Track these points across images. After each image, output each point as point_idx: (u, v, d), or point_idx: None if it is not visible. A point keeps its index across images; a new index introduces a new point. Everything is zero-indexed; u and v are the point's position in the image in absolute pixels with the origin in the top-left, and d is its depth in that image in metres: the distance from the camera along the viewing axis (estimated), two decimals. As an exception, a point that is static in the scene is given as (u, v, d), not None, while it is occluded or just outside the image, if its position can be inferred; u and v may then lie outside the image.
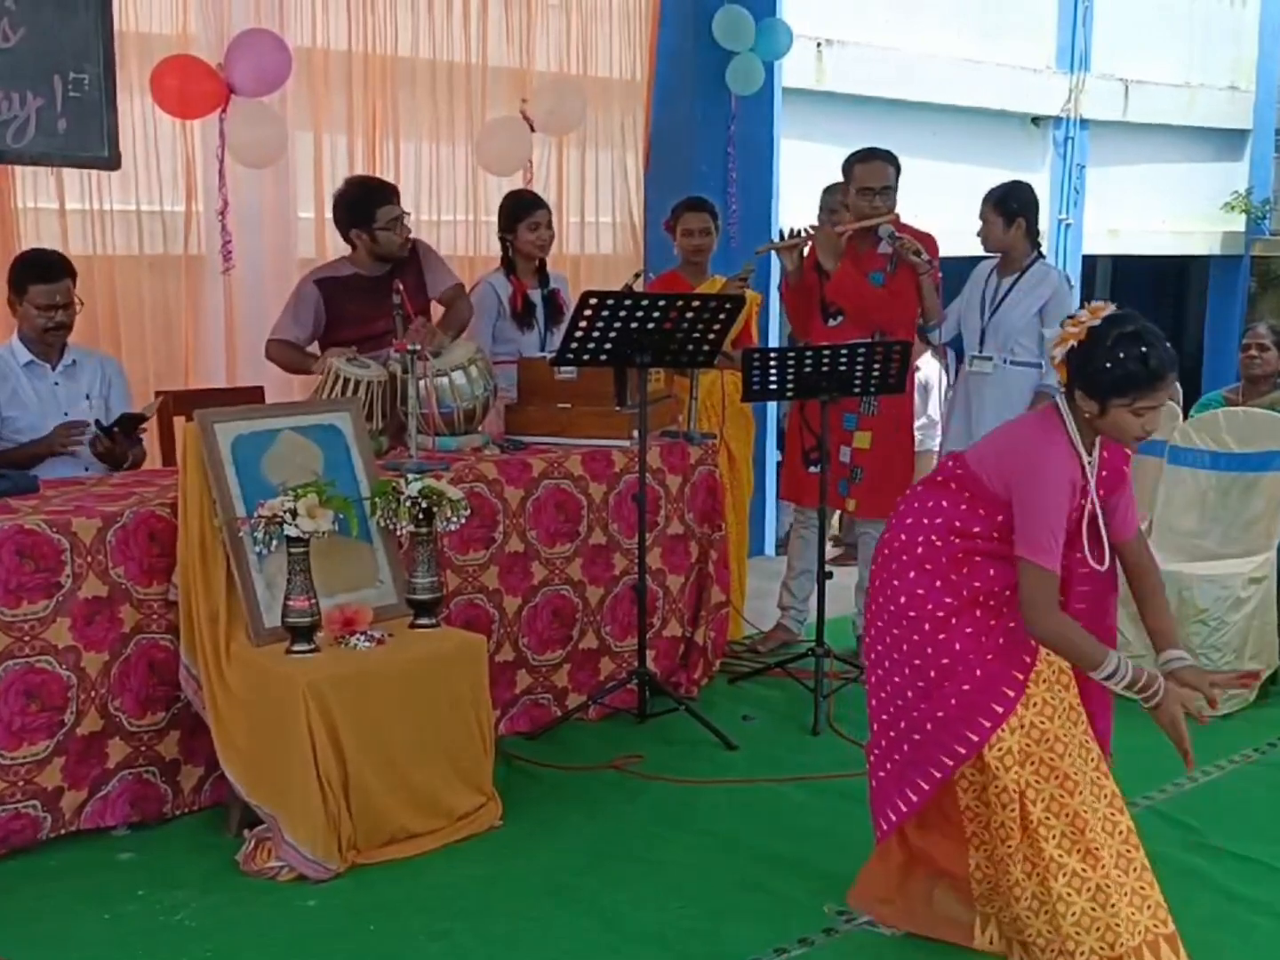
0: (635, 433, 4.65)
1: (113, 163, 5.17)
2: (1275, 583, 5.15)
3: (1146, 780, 4.30)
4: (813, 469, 5.38)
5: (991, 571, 3.03)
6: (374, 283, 4.89)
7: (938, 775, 3.03)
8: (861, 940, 3.32)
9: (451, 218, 6.43)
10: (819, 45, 8.80)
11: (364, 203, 4.92)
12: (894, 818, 3.14)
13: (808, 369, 4.75)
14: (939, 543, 3.06)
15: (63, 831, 3.69)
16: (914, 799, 3.08)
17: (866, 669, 3.24)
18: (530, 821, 3.96)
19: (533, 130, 6.35)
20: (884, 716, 3.15)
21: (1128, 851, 3.04)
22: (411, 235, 5.04)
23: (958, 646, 3.00)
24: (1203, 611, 4.94)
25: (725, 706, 4.95)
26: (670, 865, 3.72)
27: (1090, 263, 11.56)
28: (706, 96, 7.03)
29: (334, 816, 3.58)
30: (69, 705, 3.65)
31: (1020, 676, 2.98)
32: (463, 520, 3.97)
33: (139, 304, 5.63)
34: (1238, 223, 12.10)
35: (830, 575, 5.02)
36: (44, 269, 4.35)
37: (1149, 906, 3.02)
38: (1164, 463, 5.53)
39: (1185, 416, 5.86)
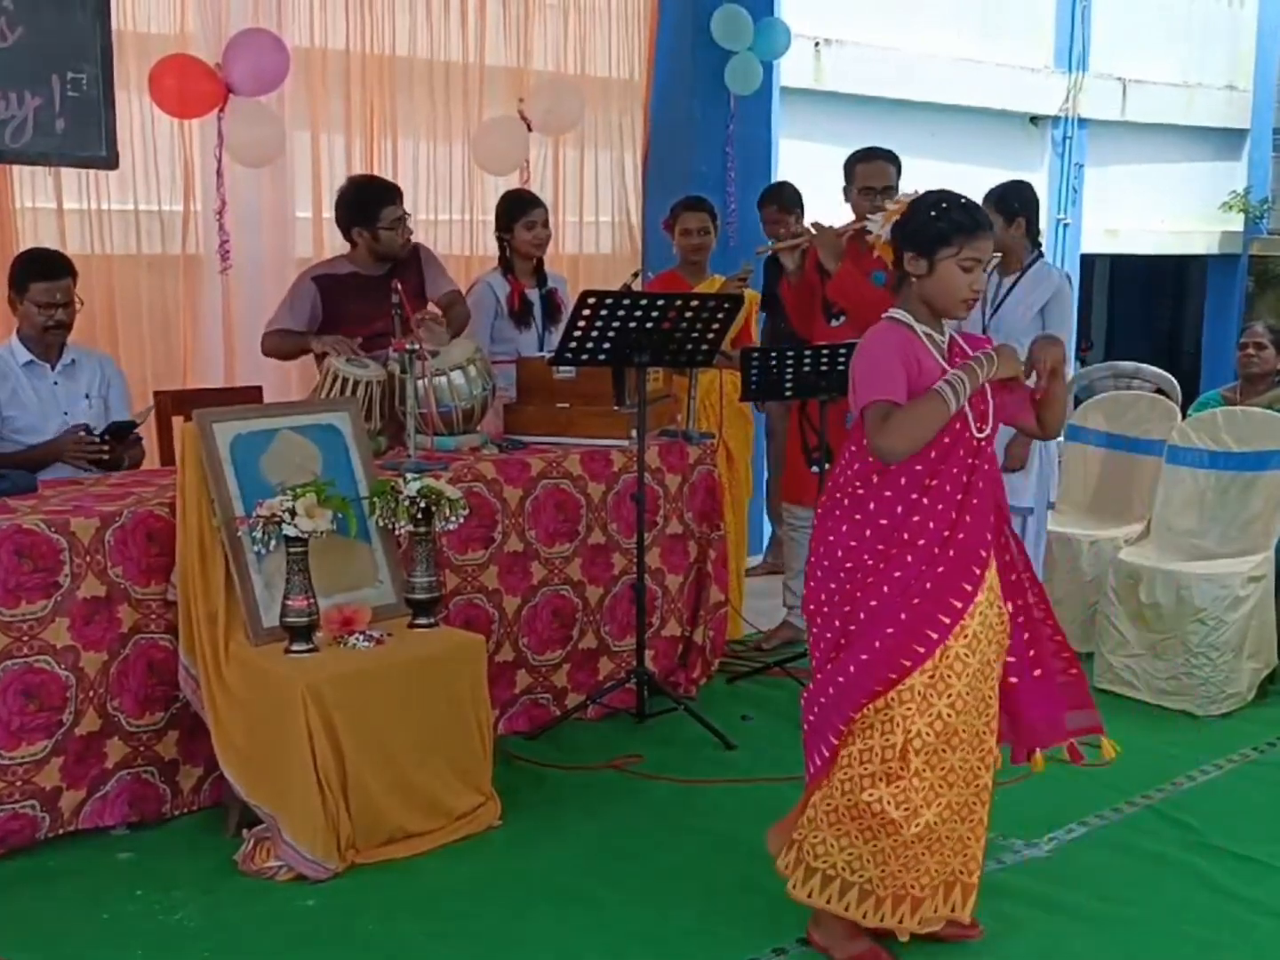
0: (634, 432, 4.65)
1: (111, 162, 5.17)
2: (1274, 581, 5.16)
3: (1145, 780, 4.31)
4: (816, 469, 5.38)
5: (916, 518, 3.04)
6: (373, 282, 4.89)
7: (853, 716, 3.05)
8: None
9: (449, 217, 6.43)
10: (817, 45, 8.81)
11: (369, 202, 4.92)
12: (819, 761, 3.15)
13: (807, 368, 4.75)
14: (862, 490, 3.09)
15: (61, 831, 3.69)
16: (833, 741, 3.10)
17: (807, 623, 3.26)
18: (529, 821, 3.96)
19: (530, 130, 6.35)
20: (820, 665, 3.17)
21: (973, 804, 3.11)
22: (412, 237, 5.04)
23: (885, 589, 3.04)
24: (1201, 610, 4.94)
25: (724, 706, 4.95)
26: (669, 865, 3.72)
27: (1089, 262, 11.58)
28: (705, 96, 7.03)
29: (333, 816, 3.58)
30: (67, 705, 3.65)
31: (946, 620, 3.01)
32: (461, 520, 3.97)
33: (137, 304, 5.63)
34: (1236, 222, 12.12)
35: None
36: (45, 266, 4.35)
37: (965, 853, 3.13)
38: (1162, 462, 5.53)
39: (1183, 416, 5.86)
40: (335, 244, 5.32)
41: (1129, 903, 3.52)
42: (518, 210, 5.35)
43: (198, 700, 3.76)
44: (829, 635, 3.13)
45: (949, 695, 3.02)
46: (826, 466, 4.98)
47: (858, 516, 3.08)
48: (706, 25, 6.85)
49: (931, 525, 3.03)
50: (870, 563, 3.06)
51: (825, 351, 4.75)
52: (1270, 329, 5.95)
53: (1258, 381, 5.86)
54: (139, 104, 5.42)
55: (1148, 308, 13.45)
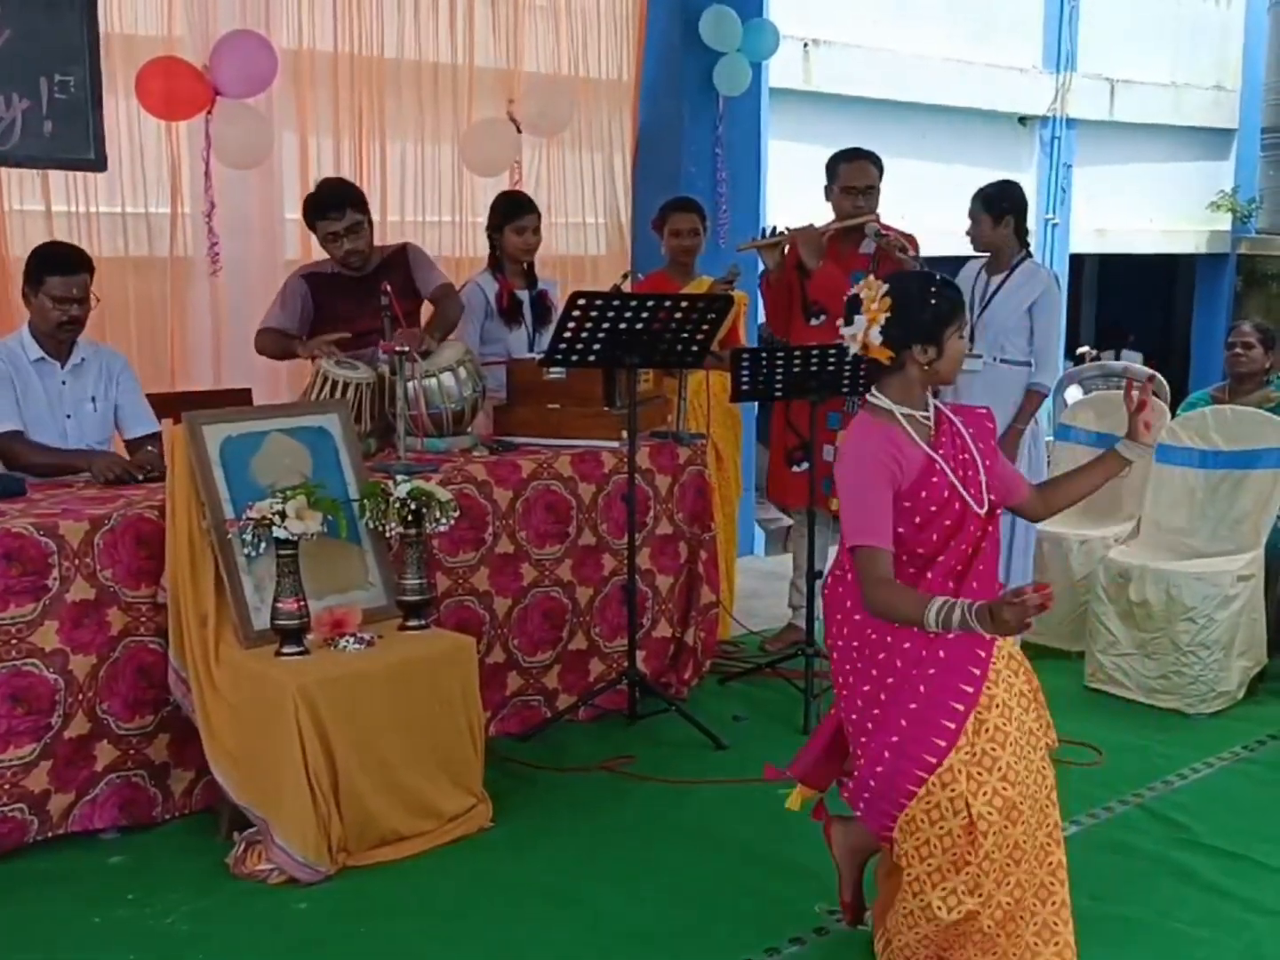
0: (625, 433, 4.65)
1: (99, 164, 5.16)
2: (1263, 580, 5.17)
3: (1136, 778, 4.33)
4: (796, 468, 5.39)
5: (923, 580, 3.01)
6: (359, 282, 4.88)
7: (905, 803, 2.96)
8: (853, 939, 3.32)
9: (438, 219, 6.42)
10: (806, 46, 8.82)
11: (309, 213, 4.93)
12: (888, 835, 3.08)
13: (796, 369, 4.75)
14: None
15: (50, 835, 3.68)
16: (890, 826, 3.01)
17: (836, 696, 3.20)
18: (521, 823, 3.96)
19: (520, 131, 6.35)
20: (854, 741, 3.11)
21: (1051, 884, 3.02)
22: (382, 242, 4.99)
23: (898, 664, 2.97)
24: (1191, 609, 4.95)
25: (715, 707, 4.95)
26: (661, 866, 3.71)
27: (1077, 262, 11.60)
28: (694, 97, 7.03)
29: (324, 819, 3.57)
30: (56, 708, 3.64)
31: (969, 689, 2.92)
32: (452, 521, 3.97)
33: (125, 306, 5.61)
34: (1224, 222, 12.15)
35: (820, 575, 5.01)
36: (63, 261, 4.27)
37: (1055, 943, 3.02)
38: (1152, 461, 5.54)
39: (1173, 415, 5.87)
40: (324, 246, 5.31)
41: (1120, 901, 3.53)
42: (509, 213, 5.34)
43: (188, 703, 3.75)
44: (854, 716, 3.08)
45: (999, 769, 2.90)
46: (806, 466, 5.00)
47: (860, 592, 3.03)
48: (695, 26, 6.85)
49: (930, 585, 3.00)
50: (876, 637, 3.00)
51: (815, 352, 4.75)
52: (1258, 328, 5.96)
53: (1246, 380, 5.87)
54: (126, 106, 5.40)
55: (1136, 307, 13.47)
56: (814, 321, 5.38)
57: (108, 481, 4.09)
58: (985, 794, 2.89)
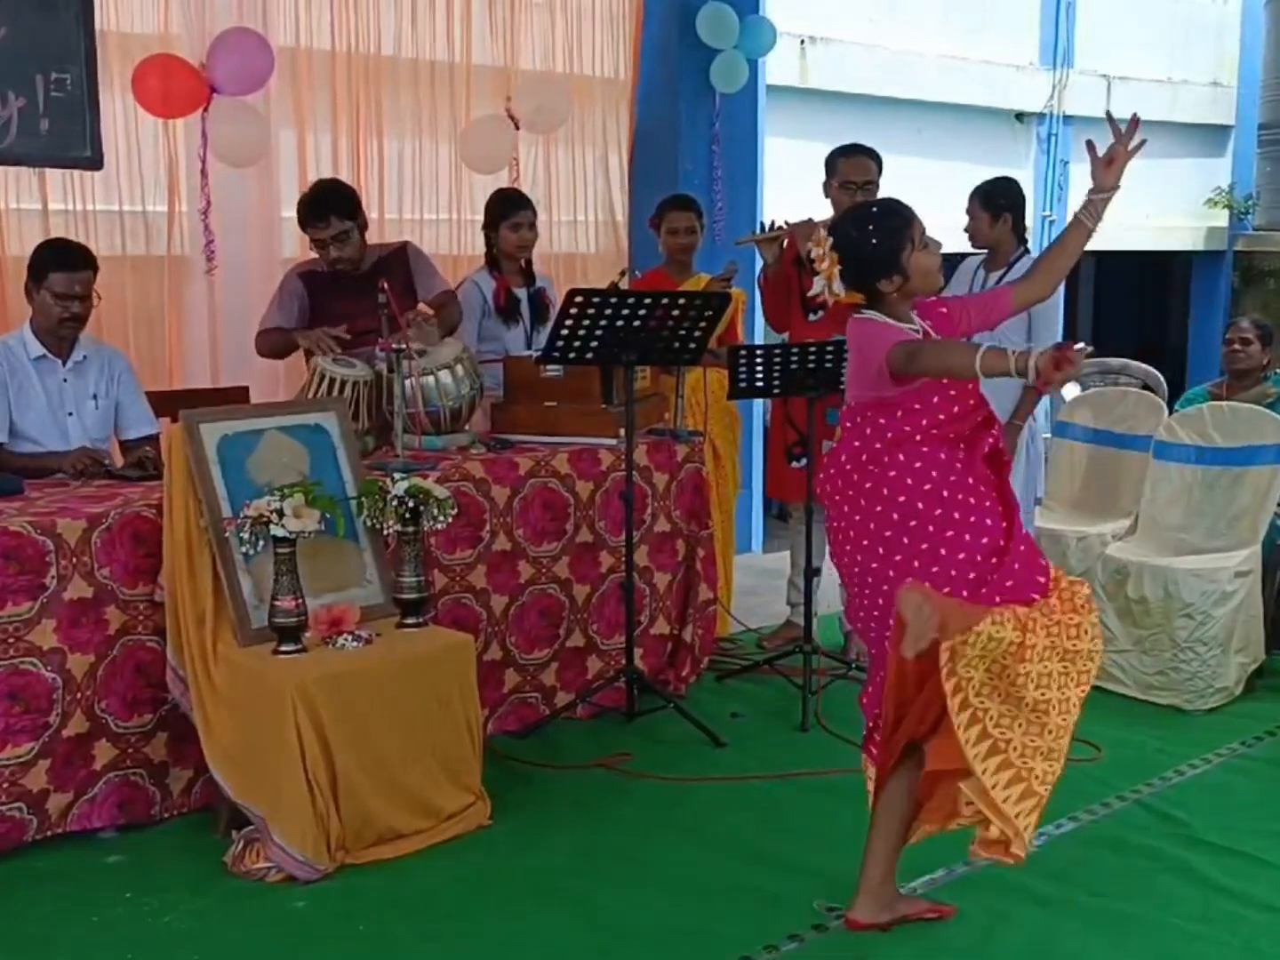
0: (622, 431, 4.65)
1: (95, 163, 5.15)
2: (1261, 576, 5.17)
3: (1134, 774, 4.33)
4: (795, 464, 5.39)
5: (970, 478, 3.09)
6: (355, 281, 4.88)
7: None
8: (852, 936, 3.32)
9: (435, 216, 6.42)
10: (803, 42, 8.81)
11: (298, 217, 4.95)
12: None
13: (794, 366, 4.75)
14: (879, 468, 3.12)
15: (49, 834, 3.68)
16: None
17: (849, 589, 3.28)
18: (519, 821, 3.96)
19: (517, 129, 6.35)
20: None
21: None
22: (381, 240, 4.99)
23: (967, 537, 3.06)
24: (1189, 605, 4.96)
25: (713, 704, 4.95)
26: (659, 863, 3.71)
27: (1074, 258, 11.58)
28: (691, 94, 7.03)
29: (322, 817, 3.57)
30: (54, 707, 3.63)
31: (1043, 580, 3.08)
32: (449, 519, 3.96)
33: (122, 305, 5.60)
34: (1221, 218, 12.14)
35: (818, 572, 5.02)
36: (66, 257, 4.27)
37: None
38: (1149, 458, 5.54)
39: (1170, 412, 5.87)
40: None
41: (1119, 897, 3.53)
42: (505, 210, 5.34)
43: (186, 702, 3.75)
44: (869, 580, 3.15)
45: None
46: (805, 462, 5.00)
47: (909, 481, 3.09)
48: (692, 23, 6.85)
49: (984, 488, 3.10)
50: (940, 514, 3.06)
51: (813, 349, 4.75)
52: (1256, 324, 5.96)
53: (1244, 377, 5.87)
54: (123, 104, 5.39)
55: (1133, 304, 13.47)
56: (812, 317, 5.38)
57: (78, 473, 4.10)
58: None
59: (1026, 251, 5.43)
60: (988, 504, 3.10)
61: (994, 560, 3.06)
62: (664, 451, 4.99)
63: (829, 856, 3.62)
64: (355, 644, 3.76)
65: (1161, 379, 8.43)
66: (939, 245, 3.22)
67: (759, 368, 4.78)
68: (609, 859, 3.75)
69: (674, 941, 3.31)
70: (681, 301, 4.54)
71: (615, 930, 3.36)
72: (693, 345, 4.64)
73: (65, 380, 4.34)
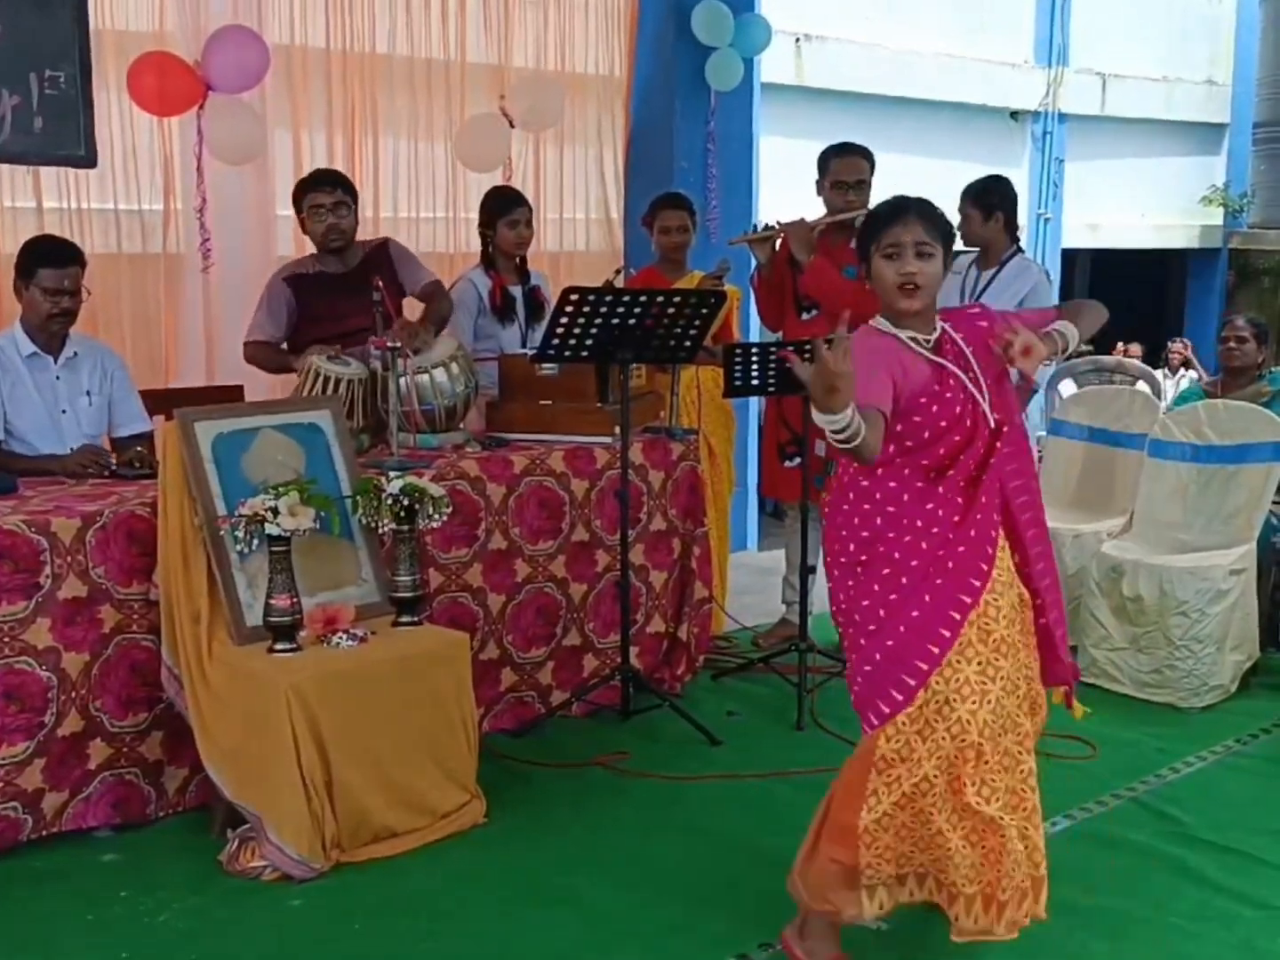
0: (617, 429, 4.64)
1: (90, 161, 5.15)
2: (1255, 574, 5.18)
3: (1129, 772, 4.33)
4: (788, 463, 5.39)
5: (928, 505, 3.03)
6: (340, 280, 4.87)
7: (886, 711, 3.00)
8: (848, 936, 3.32)
9: (431, 214, 6.42)
10: (798, 41, 8.83)
11: (300, 189, 4.93)
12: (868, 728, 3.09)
13: (788, 363, 4.74)
14: (866, 482, 3.07)
15: (44, 833, 3.67)
16: (875, 721, 3.02)
17: (837, 624, 3.23)
18: (515, 819, 3.96)
19: (512, 127, 6.35)
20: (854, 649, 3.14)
21: (1021, 789, 3.02)
22: (356, 232, 4.96)
23: (904, 580, 3.00)
24: (1184, 603, 4.96)
25: (709, 702, 4.95)
26: (655, 861, 3.71)
27: (1070, 257, 11.60)
28: (685, 92, 7.03)
29: (318, 815, 3.57)
30: (49, 706, 3.63)
31: (967, 600, 2.97)
32: (444, 517, 3.96)
33: (118, 303, 5.60)
34: (1215, 216, 12.17)
35: (814, 570, 5.02)
36: (55, 253, 4.28)
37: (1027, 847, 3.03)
38: (1145, 456, 5.55)
39: (1166, 410, 5.87)
40: (316, 242, 5.30)
41: (1114, 894, 3.53)
42: (501, 208, 5.33)
43: (181, 701, 3.75)
44: (850, 630, 3.11)
45: (1000, 679, 2.97)
46: (799, 461, 4.99)
47: (866, 507, 3.06)
48: (687, 21, 6.85)
49: (942, 513, 3.02)
50: (884, 551, 3.02)
51: (808, 347, 4.74)
52: (1252, 322, 5.96)
53: (1239, 375, 5.87)
54: (118, 102, 5.39)
55: (1129, 302, 13.48)
56: (805, 316, 5.38)
57: (83, 472, 4.12)
58: (989, 705, 2.94)
59: (1019, 250, 5.44)
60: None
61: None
62: (659, 450, 4.99)
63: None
64: (350, 643, 3.76)
65: (1157, 377, 8.44)
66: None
67: (754, 366, 4.78)
68: (605, 857, 3.75)
69: (670, 939, 3.31)
70: (677, 299, 4.54)
71: (611, 928, 3.36)
72: (688, 343, 4.64)
73: (58, 378, 4.34)
